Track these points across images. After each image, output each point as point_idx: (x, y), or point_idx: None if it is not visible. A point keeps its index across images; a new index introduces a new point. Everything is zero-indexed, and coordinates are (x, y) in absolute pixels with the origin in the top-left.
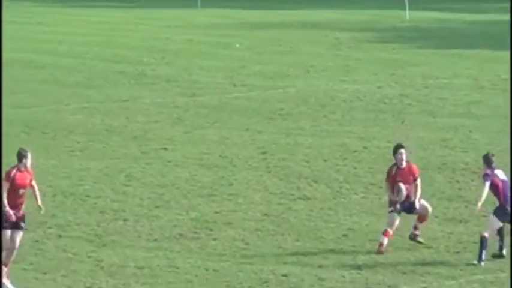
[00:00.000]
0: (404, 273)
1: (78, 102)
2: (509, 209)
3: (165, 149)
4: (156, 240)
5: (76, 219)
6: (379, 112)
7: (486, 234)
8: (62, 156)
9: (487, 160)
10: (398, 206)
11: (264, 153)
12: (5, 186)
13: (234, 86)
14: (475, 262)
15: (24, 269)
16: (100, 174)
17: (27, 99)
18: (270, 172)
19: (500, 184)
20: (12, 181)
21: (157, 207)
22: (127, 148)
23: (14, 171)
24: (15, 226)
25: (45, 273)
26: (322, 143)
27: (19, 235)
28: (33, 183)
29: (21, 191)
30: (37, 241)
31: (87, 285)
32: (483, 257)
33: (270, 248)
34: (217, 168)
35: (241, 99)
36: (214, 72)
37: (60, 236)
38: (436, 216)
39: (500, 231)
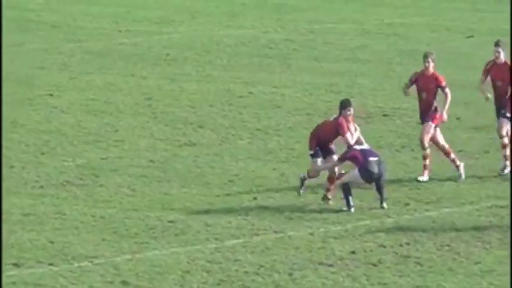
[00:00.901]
0: (290, 218)
1: None
2: (373, 170)
3: (51, 95)
4: (42, 187)
5: None
6: (264, 57)
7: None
8: None
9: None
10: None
11: (149, 99)
12: None
13: (119, 31)
14: (345, 209)
15: None
16: None
17: None
18: (155, 118)
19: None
20: None
21: (43, 153)
22: (12, 94)
23: None
24: None
25: None
26: (208, 89)
27: None
28: None
29: None
30: None
31: None
32: (351, 203)
33: (156, 195)
34: (103, 114)
35: (126, 45)
36: (99, 18)
37: None
38: None
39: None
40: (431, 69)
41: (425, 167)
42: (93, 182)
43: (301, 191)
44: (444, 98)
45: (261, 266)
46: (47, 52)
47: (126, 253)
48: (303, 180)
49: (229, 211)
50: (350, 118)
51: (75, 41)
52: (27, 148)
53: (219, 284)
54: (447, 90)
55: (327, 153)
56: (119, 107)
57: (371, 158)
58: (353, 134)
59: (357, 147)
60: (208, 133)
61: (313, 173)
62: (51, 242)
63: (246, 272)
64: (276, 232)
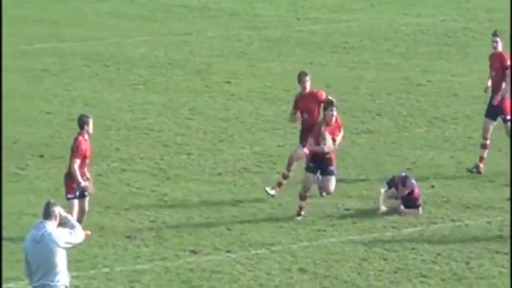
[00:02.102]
0: (468, 207)
1: (141, 36)
2: None
3: (229, 82)
4: (219, 174)
5: (140, 153)
6: (443, 45)
7: None
8: (125, 89)
9: None
10: None
11: (327, 87)
12: (78, 159)
13: (298, 19)
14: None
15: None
16: (163, 108)
17: (88, 32)
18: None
19: None
20: (83, 152)
21: (220, 141)
22: (190, 82)
23: (82, 141)
24: (81, 195)
25: (108, 207)
26: (386, 77)
27: (86, 200)
28: None
29: (87, 160)
30: (101, 175)
31: (151, 219)
32: None
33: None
34: (280, 102)
35: (304, 32)
36: (277, 5)
37: (123, 170)
38: None
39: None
40: (308, 88)
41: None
42: (270, 170)
43: None
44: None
45: (438, 255)
46: (225, 39)
47: (303, 240)
48: None
49: None
50: None
51: (253, 29)
52: (205, 136)
53: (395, 272)
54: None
55: None
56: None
57: None
58: None
59: None
60: (386, 121)
61: None
62: (229, 229)
63: (423, 260)
64: (453, 221)
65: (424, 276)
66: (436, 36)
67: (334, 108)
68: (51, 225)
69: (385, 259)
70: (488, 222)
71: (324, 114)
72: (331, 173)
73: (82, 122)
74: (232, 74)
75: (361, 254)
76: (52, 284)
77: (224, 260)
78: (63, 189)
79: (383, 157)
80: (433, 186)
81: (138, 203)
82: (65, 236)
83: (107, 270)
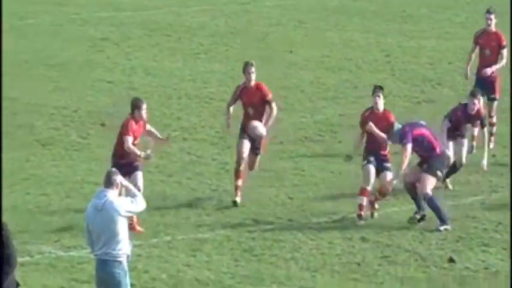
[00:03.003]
0: None
1: (200, 5)
2: None
3: (288, 51)
4: (280, 143)
5: (201, 122)
6: (504, 14)
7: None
8: (186, 58)
9: None
10: None
11: (387, 56)
12: (128, 136)
13: None
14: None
15: (150, 171)
16: (224, 77)
17: (146, 1)
18: (394, 75)
19: None
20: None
21: (281, 110)
22: (250, 50)
23: (131, 123)
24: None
25: (170, 176)
26: (446, 46)
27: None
28: (148, 127)
29: (136, 142)
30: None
31: (212, 187)
32: None
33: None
34: (341, 71)
35: (361, 1)
36: None
37: (184, 139)
38: None
39: None
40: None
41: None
42: (332, 138)
43: None
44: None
45: (499, 223)
46: (283, 8)
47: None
48: None
49: (465, 168)
50: None
51: None
52: None
53: (457, 241)
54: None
55: None
56: (358, 63)
57: None
58: None
59: None
60: (446, 90)
61: None
62: (290, 198)
63: (485, 230)
64: None
65: (485, 245)
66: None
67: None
68: (112, 194)
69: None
70: None
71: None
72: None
73: (133, 106)
74: (291, 43)
75: (422, 223)
76: (114, 252)
77: (286, 228)
78: None
79: None
80: (494, 156)
81: (199, 172)
82: (127, 204)
83: (168, 238)
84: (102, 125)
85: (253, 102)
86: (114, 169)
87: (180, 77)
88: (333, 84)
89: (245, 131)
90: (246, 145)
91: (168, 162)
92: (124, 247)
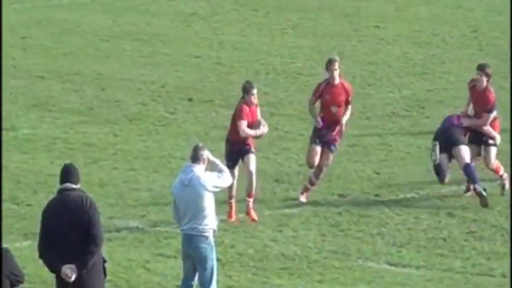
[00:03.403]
0: None
1: None
2: None
3: (377, 26)
4: (368, 118)
5: (288, 97)
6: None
7: None
8: (274, 33)
9: None
10: None
11: (475, 31)
12: (243, 120)
13: None
14: None
15: None
16: (312, 52)
17: None
18: (482, 50)
19: None
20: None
21: (369, 85)
22: (338, 26)
23: (243, 107)
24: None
25: (257, 151)
26: None
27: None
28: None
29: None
30: None
31: (299, 163)
32: None
33: None
34: (429, 46)
35: None
36: None
37: (272, 114)
38: None
39: None
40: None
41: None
42: (419, 114)
43: None
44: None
45: None
46: None
47: (451, 184)
48: None
49: None
50: None
51: None
52: (354, 79)
53: None
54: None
55: None
56: (446, 38)
57: None
58: None
59: None
60: None
61: None
62: (377, 173)
63: None
64: None
65: None
66: None
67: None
68: (199, 169)
69: None
70: None
71: None
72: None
73: (243, 89)
74: (380, 18)
75: (508, 199)
76: (200, 227)
77: (372, 203)
78: (212, 133)
79: None
80: None
81: (286, 147)
82: (213, 179)
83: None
84: (190, 100)
85: (338, 100)
86: (201, 144)
87: (267, 52)
88: (420, 59)
89: (320, 133)
90: (317, 151)
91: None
92: (210, 222)
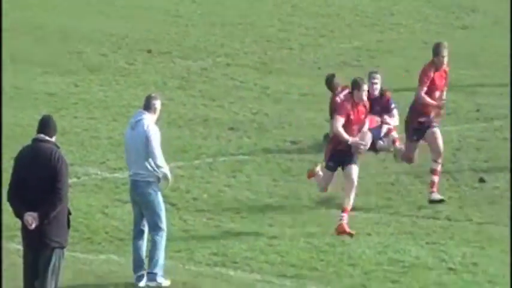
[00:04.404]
0: None
1: None
2: None
3: None
4: (319, 68)
5: (244, 48)
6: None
7: None
8: None
9: None
10: None
11: None
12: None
13: None
14: None
15: (193, 95)
16: (267, 5)
17: None
18: (430, 2)
19: None
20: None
21: (321, 36)
22: None
23: (347, 104)
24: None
25: (213, 100)
26: None
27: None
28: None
29: (355, 127)
30: (206, 69)
31: (253, 111)
32: None
33: None
34: None
35: None
36: None
37: (228, 65)
38: None
39: None
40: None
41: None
42: (369, 64)
43: None
44: None
45: None
46: None
47: None
48: None
49: None
50: None
51: None
52: (307, 31)
53: (486, 161)
54: None
55: None
56: None
57: None
58: None
59: None
60: (479, 17)
61: None
62: (327, 121)
63: None
64: None
65: None
66: None
67: None
68: (149, 117)
69: (478, 148)
70: None
71: None
72: None
73: (353, 85)
74: None
75: (455, 145)
76: (144, 173)
77: (323, 150)
78: (170, 83)
79: (476, 51)
80: None
81: (241, 96)
82: (157, 140)
83: (210, 160)
84: (149, 51)
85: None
86: (154, 94)
87: (224, 4)
88: (371, 11)
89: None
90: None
91: (211, 87)
92: (155, 168)
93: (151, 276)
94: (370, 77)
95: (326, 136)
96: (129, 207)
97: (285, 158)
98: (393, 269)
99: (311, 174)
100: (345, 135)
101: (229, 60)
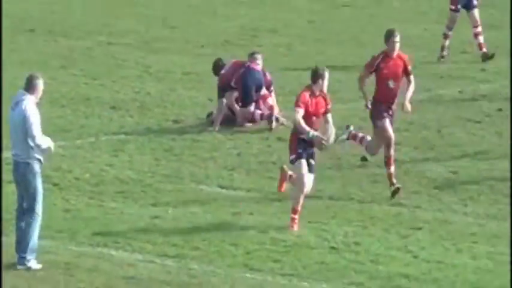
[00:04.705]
0: (441, 77)
1: None
2: None
3: None
4: (202, 46)
5: (125, 27)
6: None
7: None
8: None
9: None
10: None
11: None
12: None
13: None
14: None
15: (75, 74)
16: None
17: None
18: None
19: None
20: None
21: (204, 14)
22: None
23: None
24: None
25: (95, 79)
26: None
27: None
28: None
29: (313, 118)
30: (88, 48)
31: (136, 90)
32: None
33: (312, 54)
34: None
35: None
36: None
37: (110, 43)
38: None
39: None
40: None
41: None
42: (252, 43)
43: None
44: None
45: (411, 124)
46: None
47: None
48: None
49: None
50: None
51: None
52: (189, 9)
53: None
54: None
55: None
56: None
57: None
58: None
59: None
60: None
61: None
62: (210, 100)
63: (397, 129)
64: (427, 90)
65: (398, 144)
66: None
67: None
68: (29, 98)
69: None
70: (460, 92)
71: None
72: None
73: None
74: None
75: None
76: (22, 154)
77: (205, 129)
78: (52, 63)
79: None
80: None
81: (123, 75)
82: (36, 120)
83: (92, 139)
84: (31, 30)
85: (396, 73)
86: (37, 74)
87: None
88: None
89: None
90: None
91: (92, 65)
92: (34, 150)
93: (21, 260)
94: (252, 57)
95: (209, 115)
96: (12, 187)
97: (167, 137)
98: (275, 248)
99: (283, 180)
100: (306, 127)
101: (111, 39)
